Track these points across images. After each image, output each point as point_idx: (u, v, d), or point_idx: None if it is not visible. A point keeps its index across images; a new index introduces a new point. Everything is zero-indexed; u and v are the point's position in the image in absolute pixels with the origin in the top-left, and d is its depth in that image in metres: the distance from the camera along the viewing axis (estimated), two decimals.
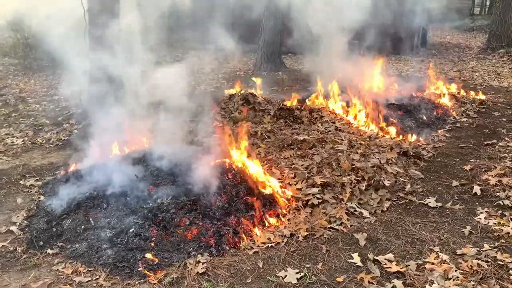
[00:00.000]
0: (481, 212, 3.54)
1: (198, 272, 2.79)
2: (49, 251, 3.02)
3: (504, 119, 6.20)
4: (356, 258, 2.92)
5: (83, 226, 3.19)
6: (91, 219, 3.25)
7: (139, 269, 2.80)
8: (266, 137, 5.04)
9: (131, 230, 3.10)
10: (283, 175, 4.02)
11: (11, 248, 3.08)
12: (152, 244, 3.02)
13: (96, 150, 4.11)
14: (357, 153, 4.45)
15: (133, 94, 3.74)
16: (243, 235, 3.16)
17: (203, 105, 5.08)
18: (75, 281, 2.72)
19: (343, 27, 6.89)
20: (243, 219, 3.28)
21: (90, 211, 3.34)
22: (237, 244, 3.10)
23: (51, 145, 5.28)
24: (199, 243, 3.07)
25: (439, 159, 4.75)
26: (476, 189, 3.91)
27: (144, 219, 3.18)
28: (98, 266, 2.85)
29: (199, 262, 2.89)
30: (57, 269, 2.84)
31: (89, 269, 2.83)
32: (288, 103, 6.29)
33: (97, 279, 2.74)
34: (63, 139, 5.47)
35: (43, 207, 3.55)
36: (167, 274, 2.77)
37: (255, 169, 3.88)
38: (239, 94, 6.11)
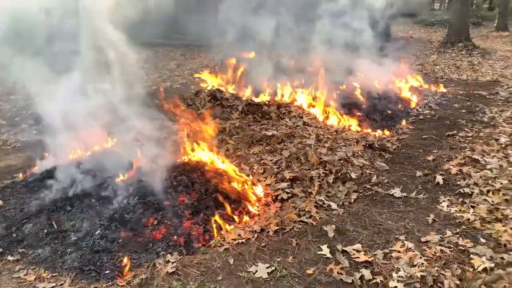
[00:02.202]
0: (443, 201, 3.67)
1: (167, 271, 2.75)
2: (10, 257, 2.89)
3: (464, 111, 6.44)
4: (326, 250, 2.96)
5: (45, 230, 3.07)
6: (54, 223, 3.14)
7: (106, 271, 2.73)
8: (234, 133, 5.02)
9: (96, 233, 3.02)
10: (253, 171, 4.02)
11: None
12: (120, 246, 2.94)
13: (56, 151, 3.96)
14: (325, 147, 4.51)
15: (94, 91, 3.63)
16: (213, 233, 3.14)
17: (169, 102, 4.99)
18: (38, 287, 2.62)
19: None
20: (212, 217, 3.25)
21: (52, 214, 3.22)
22: (207, 242, 3.07)
23: (9, 147, 5.05)
24: (168, 242, 3.02)
25: (403, 150, 4.88)
26: (439, 178, 4.04)
27: (110, 221, 3.10)
28: (63, 271, 2.75)
29: (168, 261, 2.85)
30: (19, 276, 2.72)
31: (53, 275, 2.73)
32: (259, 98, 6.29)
33: (62, 284, 2.65)
34: (21, 140, 5.25)
35: (2, 212, 3.39)
36: (136, 275, 2.71)
37: (224, 166, 3.85)
38: (206, 90, 6.05)
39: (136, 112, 3.58)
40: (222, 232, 3.18)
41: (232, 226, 3.27)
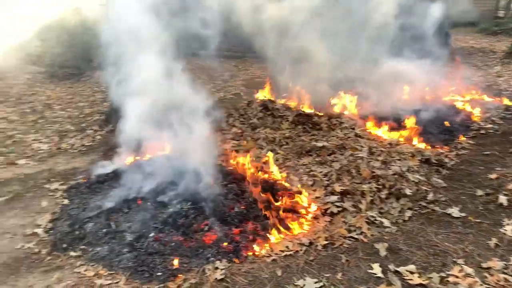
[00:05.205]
0: (507, 224, 3.42)
1: (216, 278, 2.80)
2: (72, 253, 3.09)
3: None
4: (377, 269, 2.86)
5: (104, 230, 3.25)
6: (112, 223, 3.31)
7: (159, 273, 2.83)
8: (284, 143, 5.03)
9: (151, 235, 3.14)
10: (302, 182, 4.00)
11: (36, 250, 3.16)
12: (172, 249, 3.05)
13: (118, 155, 4.19)
14: (378, 160, 4.39)
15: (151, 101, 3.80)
16: (262, 243, 3.16)
17: (223, 112, 5.13)
18: (96, 283, 2.77)
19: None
20: (261, 226, 3.27)
21: (111, 215, 3.40)
22: (255, 252, 3.10)
23: (75, 151, 5.40)
24: (218, 248, 3.08)
25: (463, 167, 4.63)
26: (502, 199, 3.78)
27: (163, 224, 3.22)
28: (119, 270, 2.90)
29: (217, 268, 2.90)
30: (79, 271, 2.90)
31: (110, 272, 2.88)
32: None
33: (118, 282, 2.78)
34: (86, 144, 5.60)
35: (67, 211, 3.63)
36: (185, 279, 2.79)
37: (274, 176, 3.87)
38: (258, 100, 6.13)
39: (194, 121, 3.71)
40: (270, 243, 3.19)
41: (280, 238, 3.26)
